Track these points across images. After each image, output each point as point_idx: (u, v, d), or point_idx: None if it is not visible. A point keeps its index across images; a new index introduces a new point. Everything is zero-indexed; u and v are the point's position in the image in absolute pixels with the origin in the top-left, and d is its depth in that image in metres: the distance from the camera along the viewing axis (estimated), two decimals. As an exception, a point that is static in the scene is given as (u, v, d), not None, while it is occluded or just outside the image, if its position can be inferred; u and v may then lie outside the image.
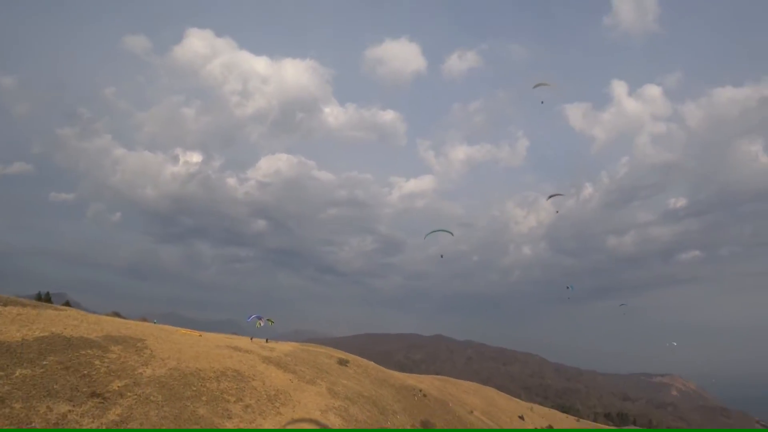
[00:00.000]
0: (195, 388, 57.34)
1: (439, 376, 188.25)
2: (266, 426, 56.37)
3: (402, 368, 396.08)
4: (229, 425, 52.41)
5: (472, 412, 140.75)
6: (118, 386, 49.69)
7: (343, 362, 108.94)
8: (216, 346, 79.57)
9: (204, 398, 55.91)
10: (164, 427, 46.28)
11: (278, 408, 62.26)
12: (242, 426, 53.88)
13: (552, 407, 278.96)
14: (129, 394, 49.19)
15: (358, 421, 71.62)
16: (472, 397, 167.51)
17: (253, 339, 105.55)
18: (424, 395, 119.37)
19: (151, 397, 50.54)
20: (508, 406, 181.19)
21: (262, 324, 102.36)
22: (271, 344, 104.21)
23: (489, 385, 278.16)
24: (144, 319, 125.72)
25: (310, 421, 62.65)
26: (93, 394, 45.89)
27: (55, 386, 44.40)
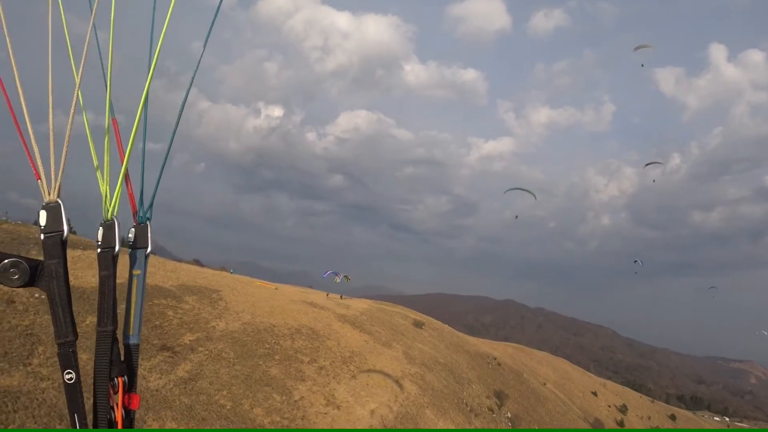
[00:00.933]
0: (268, 346, 54.35)
1: (512, 344, 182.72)
2: (340, 390, 52.87)
3: (471, 330, 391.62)
4: (302, 388, 49.10)
5: (545, 383, 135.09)
6: (190, 340, 47.01)
7: (418, 324, 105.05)
8: (291, 301, 76.83)
9: (277, 357, 52.83)
10: (235, 385, 43.24)
11: (353, 371, 58.68)
12: (315, 388, 50.56)
13: (622, 383, 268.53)
14: (200, 348, 46.44)
15: (434, 389, 67.49)
16: (545, 368, 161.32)
17: (329, 295, 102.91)
18: (499, 364, 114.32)
19: (223, 354, 47.68)
20: (581, 381, 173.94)
21: (339, 280, 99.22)
22: (347, 301, 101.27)
23: (558, 355, 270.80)
24: (223, 269, 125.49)
25: (386, 387, 58.91)
26: (163, 348, 43.30)
27: (124, 337, 41.94)
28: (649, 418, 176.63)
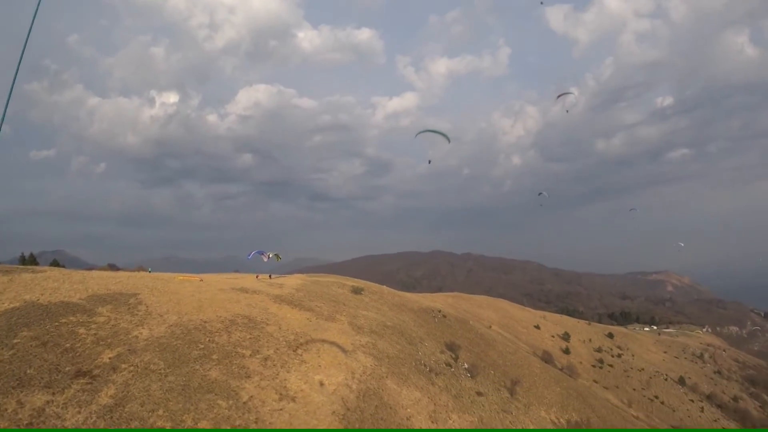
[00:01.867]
0: (202, 346, 48.04)
1: (451, 293, 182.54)
2: (291, 380, 47.42)
3: (405, 286, 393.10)
4: (249, 386, 43.30)
5: (490, 326, 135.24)
6: (110, 357, 40.17)
7: (357, 290, 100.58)
8: (220, 290, 70.14)
9: (215, 356, 46.65)
10: (171, 401, 37.11)
11: (301, 355, 53.23)
12: (264, 384, 44.90)
13: (557, 311, 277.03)
14: (123, 365, 39.67)
15: (389, 356, 63.15)
16: (487, 311, 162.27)
17: (259, 276, 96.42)
18: (444, 316, 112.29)
19: (152, 365, 41.08)
20: (522, 317, 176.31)
21: (267, 259, 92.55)
22: (278, 280, 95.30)
23: (491, 295, 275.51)
24: (140, 268, 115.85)
25: (340, 365, 53.97)
26: (78, 374, 36.37)
27: (28, 371, 34.74)
28: (590, 340, 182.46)
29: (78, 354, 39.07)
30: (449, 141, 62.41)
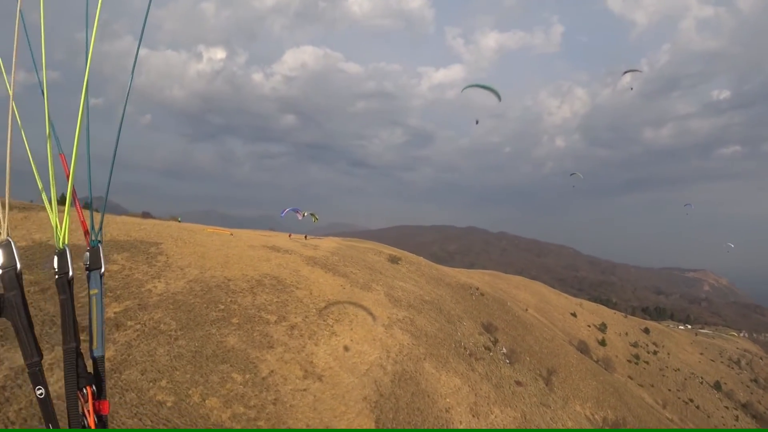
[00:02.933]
0: (223, 307, 42.09)
1: (487, 271, 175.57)
2: (319, 354, 41.28)
3: (438, 260, 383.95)
4: (270, 358, 37.25)
5: (527, 309, 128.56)
6: (115, 312, 34.34)
7: (394, 259, 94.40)
8: (250, 247, 64.35)
9: (235, 320, 40.68)
10: (178, 369, 31.19)
11: (332, 327, 47.04)
12: (288, 356, 38.83)
13: (588, 299, 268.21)
14: (130, 323, 33.87)
15: (428, 335, 56.77)
16: (523, 293, 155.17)
17: (292, 235, 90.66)
18: (482, 294, 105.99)
19: (162, 325, 35.19)
20: (558, 302, 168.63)
21: (302, 217, 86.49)
22: (313, 241, 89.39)
23: (524, 277, 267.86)
24: (172, 218, 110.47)
25: (374, 341, 47.73)
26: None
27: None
28: (627, 333, 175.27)
29: (79, 306, 33.34)
30: (500, 99, 55.08)
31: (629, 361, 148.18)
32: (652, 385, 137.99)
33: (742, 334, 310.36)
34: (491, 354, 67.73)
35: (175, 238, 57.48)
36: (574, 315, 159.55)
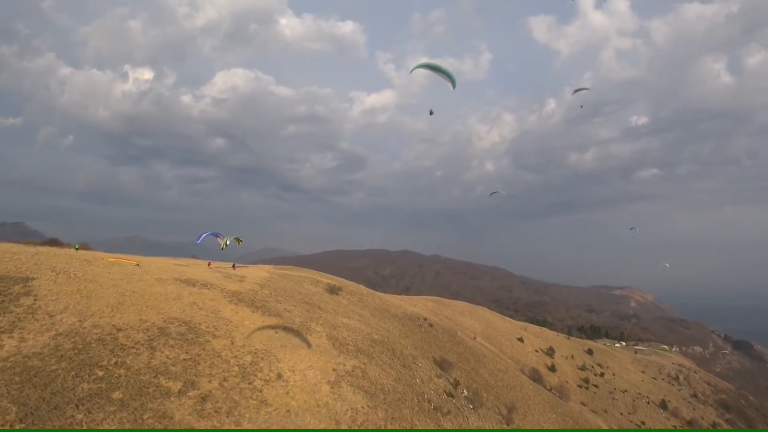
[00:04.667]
0: (102, 373, 28.83)
1: (431, 297, 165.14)
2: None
3: (372, 284, 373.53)
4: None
5: (475, 337, 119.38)
6: None
7: (333, 290, 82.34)
8: (158, 281, 50.94)
9: (118, 394, 27.50)
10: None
11: (261, 392, 34.31)
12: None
13: (525, 321, 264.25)
14: None
15: (384, 389, 44.71)
16: (469, 320, 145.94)
17: (212, 264, 77.07)
18: (431, 325, 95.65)
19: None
20: (504, 327, 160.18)
21: (225, 244, 72.78)
22: (240, 270, 76.16)
23: (459, 299, 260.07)
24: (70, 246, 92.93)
25: (319, 409, 35.34)
26: None
27: None
28: (572, 356, 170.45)
29: None
30: (454, 86, 45.17)
31: (580, 386, 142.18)
32: (605, 411, 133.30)
33: (674, 349, 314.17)
34: (454, 401, 56.96)
35: (58, 272, 43.81)
36: (521, 340, 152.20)
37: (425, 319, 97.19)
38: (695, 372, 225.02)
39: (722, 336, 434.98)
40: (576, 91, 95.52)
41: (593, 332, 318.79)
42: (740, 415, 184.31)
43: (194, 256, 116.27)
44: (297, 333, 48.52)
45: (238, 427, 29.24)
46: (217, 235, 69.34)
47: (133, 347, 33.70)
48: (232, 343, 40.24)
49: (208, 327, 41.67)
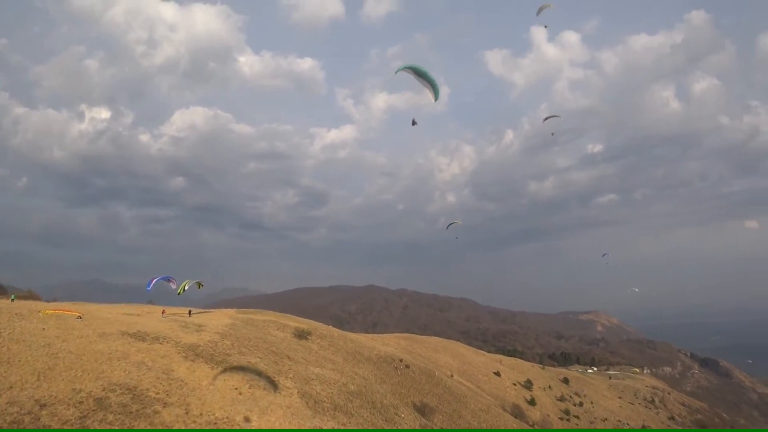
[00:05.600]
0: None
1: (402, 335, 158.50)
2: None
3: (339, 321, 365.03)
4: None
5: (452, 375, 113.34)
6: None
7: (302, 334, 75.64)
8: (101, 336, 43.91)
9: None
10: None
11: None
12: None
13: (495, 351, 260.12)
14: None
15: (366, 453, 38.50)
16: (443, 356, 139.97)
17: (166, 312, 69.46)
18: (407, 366, 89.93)
19: None
20: (479, 362, 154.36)
21: (185, 289, 65.60)
22: (198, 317, 69.00)
23: (428, 333, 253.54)
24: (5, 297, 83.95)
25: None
26: None
27: None
28: (550, 387, 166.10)
29: None
30: (436, 98, 40.35)
31: (561, 418, 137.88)
32: None
33: (645, 371, 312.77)
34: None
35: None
36: (497, 374, 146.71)
37: (401, 360, 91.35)
38: (669, 393, 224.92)
39: (688, 354, 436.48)
40: (546, 118, 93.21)
41: (564, 359, 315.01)
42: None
43: (150, 302, 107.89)
44: (264, 392, 41.94)
45: None
46: (169, 280, 62.30)
47: (58, 425, 26.95)
48: (187, 413, 33.64)
49: (157, 393, 34.98)
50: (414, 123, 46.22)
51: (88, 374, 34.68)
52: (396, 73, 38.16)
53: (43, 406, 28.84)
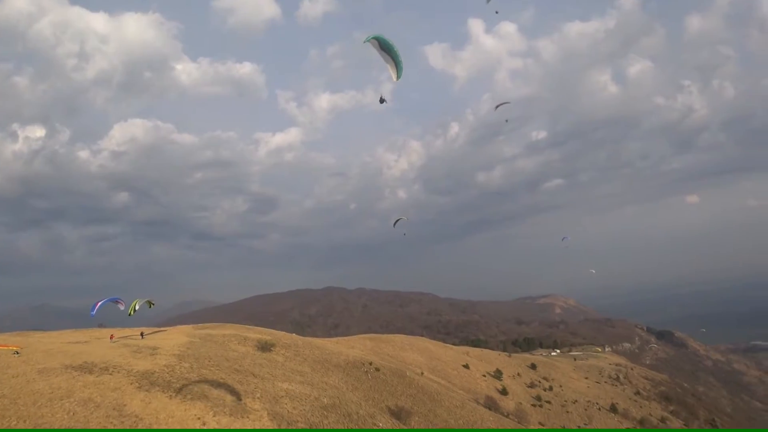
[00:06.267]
0: None
1: (367, 335, 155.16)
2: None
3: (299, 326, 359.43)
4: None
5: (422, 373, 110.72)
6: None
7: (265, 347, 71.54)
8: (40, 372, 39.02)
9: None
10: None
11: None
12: None
13: (459, 342, 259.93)
14: None
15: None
16: (411, 353, 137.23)
17: (114, 337, 63.89)
18: (377, 369, 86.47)
19: None
20: (447, 356, 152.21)
21: (136, 309, 60.71)
22: (152, 339, 63.99)
23: (391, 329, 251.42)
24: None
25: None
26: None
27: None
28: (519, 374, 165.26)
29: None
30: (398, 76, 36.68)
31: (534, 405, 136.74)
32: (563, 426, 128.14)
33: (606, 349, 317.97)
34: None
35: None
36: (466, 367, 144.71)
37: (370, 364, 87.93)
38: (632, 369, 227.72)
39: (645, 329, 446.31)
40: (498, 105, 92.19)
41: (528, 344, 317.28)
42: (681, 405, 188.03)
43: (101, 325, 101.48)
44: (231, 418, 37.81)
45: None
46: (117, 301, 57.48)
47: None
48: (143, 453, 29.40)
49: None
50: (382, 101, 42.45)
51: (25, 422, 30.08)
52: (364, 42, 34.51)
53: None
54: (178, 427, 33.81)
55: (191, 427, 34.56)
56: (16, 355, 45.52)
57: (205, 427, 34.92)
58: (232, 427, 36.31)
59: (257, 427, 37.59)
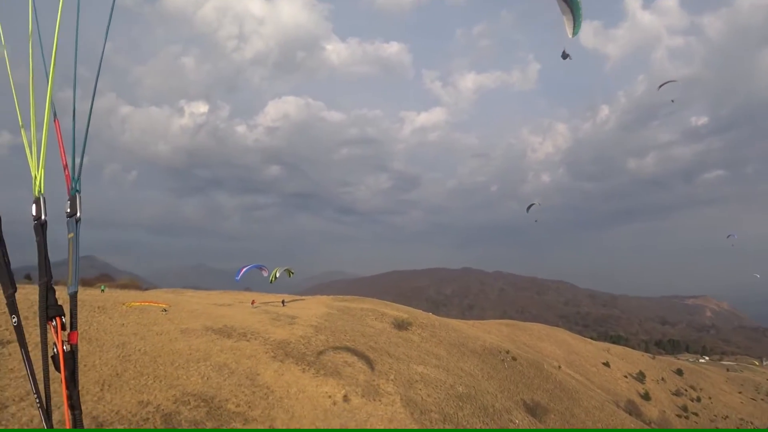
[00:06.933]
0: None
1: (504, 321, 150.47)
2: None
3: (434, 304, 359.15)
4: None
5: (559, 367, 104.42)
6: None
7: (402, 325, 69.52)
8: (183, 332, 39.10)
9: None
10: None
11: None
12: None
13: (596, 336, 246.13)
14: None
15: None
16: (548, 345, 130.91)
17: (255, 302, 64.16)
18: (514, 358, 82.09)
19: None
20: (586, 351, 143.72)
21: (277, 276, 61.21)
22: (292, 307, 63.99)
23: (526, 316, 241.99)
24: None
25: None
26: None
27: None
28: (663, 379, 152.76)
29: None
30: (575, 32, 31.91)
31: (678, 415, 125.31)
32: None
33: (765, 363, 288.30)
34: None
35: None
36: (606, 365, 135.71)
37: (507, 352, 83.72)
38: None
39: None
40: (662, 84, 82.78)
41: (672, 347, 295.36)
42: None
43: (248, 289, 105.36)
44: (362, 400, 35.61)
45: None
46: (261, 268, 57.91)
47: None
48: (273, 426, 27.70)
49: (238, 405, 29.29)
50: (565, 56, 37.75)
51: (160, 382, 29.48)
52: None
53: (100, 425, 23.63)
54: (308, 406, 31.97)
55: (320, 405, 32.65)
56: (164, 313, 46.55)
57: (335, 407, 32.86)
58: (363, 411, 34.05)
59: (389, 413, 35.03)
